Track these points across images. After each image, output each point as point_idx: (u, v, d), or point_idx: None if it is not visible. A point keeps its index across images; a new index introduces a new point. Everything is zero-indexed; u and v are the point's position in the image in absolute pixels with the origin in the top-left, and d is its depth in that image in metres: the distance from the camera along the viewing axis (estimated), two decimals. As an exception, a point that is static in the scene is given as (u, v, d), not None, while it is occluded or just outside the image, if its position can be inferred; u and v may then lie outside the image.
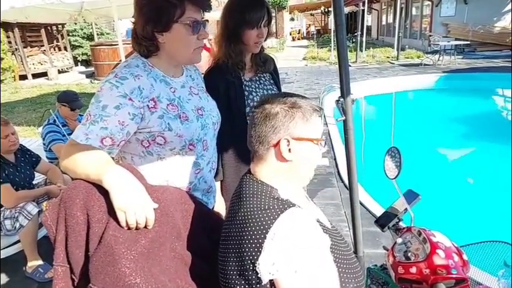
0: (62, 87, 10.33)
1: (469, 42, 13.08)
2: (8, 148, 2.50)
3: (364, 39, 14.55)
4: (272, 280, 0.84)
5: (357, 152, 1.70)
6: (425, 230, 1.13)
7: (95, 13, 8.73)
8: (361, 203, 2.67)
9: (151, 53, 1.23)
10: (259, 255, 0.83)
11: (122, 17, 8.18)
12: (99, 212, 0.93)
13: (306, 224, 0.87)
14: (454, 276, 1.00)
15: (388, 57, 13.96)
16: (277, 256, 0.82)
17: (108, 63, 11.07)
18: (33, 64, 12.67)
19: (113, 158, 1.08)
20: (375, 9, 23.76)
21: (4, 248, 2.42)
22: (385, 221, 1.30)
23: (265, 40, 1.64)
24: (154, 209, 0.96)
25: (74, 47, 14.90)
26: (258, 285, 0.85)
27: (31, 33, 13.03)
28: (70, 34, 14.83)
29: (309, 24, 37.05)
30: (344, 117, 1.59)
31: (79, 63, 15.16)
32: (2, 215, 2.38)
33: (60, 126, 3.04)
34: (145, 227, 0.95)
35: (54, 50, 14.07)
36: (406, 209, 1.25)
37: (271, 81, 1.77)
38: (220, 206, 1.61)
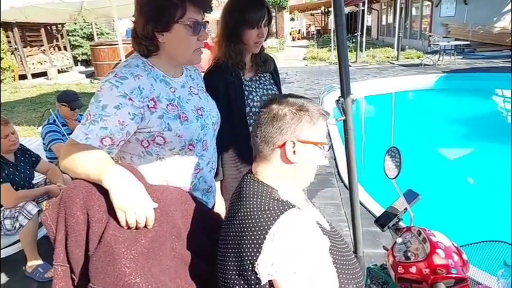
0: (61, 87, 10.33)
1: (469, 43, 13.08)
2: (8, 148, 2.50)
3: (364, 39, 14.55)
4: (271, 281, 0.84)
5: (357, 152, 1.70)
6: (425, 229, 1.13)
7: (95, 13, 8.73)
8: (361, 203, 2.67)
9: (151, 53, 1.22)
10: (259, 255, 0.84)
11: (121, 17, 8.18)
12: (99, 212, 0.93)
13: (305, 225, 0.88)
14: (453, 275, 1.00)
15: (388, 57, 13.97)
16: (277, 257, 0.82)
17: (108, 63, 11.07)
18: (32, 64, 12.67)
19: (112, 157, 1.07)
20: (374, 10, 23.76)
21: (4, 248, 2.42)
22: (385, 220, 1.30)
23: (265, 40, 1.64)
24: (154, 208, 0.96)
25: (73, 47, 14.90)
26: (257, 286, 0.85)
27: (31, 33, 13.03)
28: (70, 34, 14.83)
29: (309, 24, 37.06)
30: (344, 117, 1.60)
31: (79, 63, 15.16)
32: (1, 214, 2.38)
33: (60, 126, 3.04)
34: (145, 226, 0.95)
35: (54, 49, 14.08)
36: (406, 209, 1.25)
37: (271, 81, 1.77)
38: (220, 206, 1.61)
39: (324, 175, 4.03)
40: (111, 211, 0.92)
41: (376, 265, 1.32)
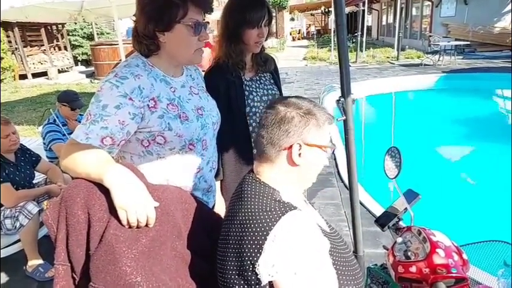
0: (62, 86, 10.34)
1: (469, 43, 13.08)
2: (8, 148, 2.50)
3: (364, 39, 14.55)
4: (271, 281, 0.84)
5: (357, 152, 1.70)
6: (425, 229, 1.13)
7: (95, 13, 8.75)
8: (361, 203, 2.67)
9: (152, 52, 1.23)
10: (259, 256, 0.84)
11: (122, 17, 8.19)
12: (100, 211, 0.93)
13: (306, 227, 0.88)
14: (453, 275, 1.00)
15: (388, 57, 13.97)
16: (277, 258, 0.83)
17: (108, 63, 11.07)
18: (33, 64, 12.68)
19: (112, 157, 1.08)
20: (375, 10, 23.76)
21: (4, 247, 2.43)
22: (385, 220, 1.30)
23: (265, 40, 1.64)
24: (155, 207, 0.96)
25: (74, 47, 14.91)
26: (257, 286, 0.85)
27: (31, 33, 13.03)
28: (70, 34, 14.84)
29: (309, 24, 37.04)
30: (344, 117, 1.60)
31: (79, 62, 15.16)
32: (2, 214, 2.38)
33: (61, 125, 3.05)
34: (146, 225, 0.95)
35: (54, 49, 14.08)
36: (406, 209, 1.25)
37: (272, 81, 1.77)
38: (220, 206, 1.61)
39: (324, 175, 4.03)
40: (112, 210, 0.92)
41: (376, 265, 1.32)
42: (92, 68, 12.93)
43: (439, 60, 11.64)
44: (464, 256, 1.08)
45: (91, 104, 1.12)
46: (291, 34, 30.85)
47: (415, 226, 1.18)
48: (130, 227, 0.93)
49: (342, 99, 1.57)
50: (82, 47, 14.85)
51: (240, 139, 1.67)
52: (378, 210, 3.07)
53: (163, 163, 1.26)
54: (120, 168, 0.97)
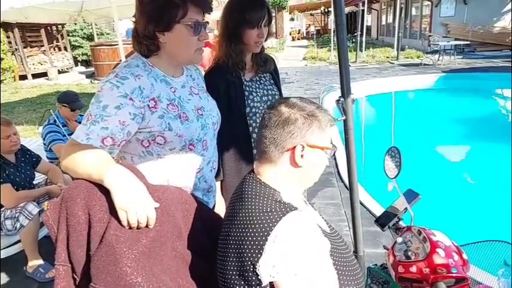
0: (62, 87, 10.33)
1: (468, 42, 13.09)
2: (9, 148, 2.50)
3: (364, 39, 14.55)
4: (272, 282, 0.84)
5: (357, 152, 1.70)
6: (425, 229, 1.13)
7: (95, 13, 8.75)
8: (361, 203, 2.67)
9: (152, 53, 1.23)
10: (260, 257, 0.84)
11: (121, 17, 8.19)
12: (100, 212, 0.93)
13: (307, 227, 0.88)
14: (454, 275, 1.00)
15: (387, 57, 13.97)
16: (278, 259, 0.83)
17: (108, 64, 11.07)
18: (33, 64, 12.67)
19: (113, 158, 1.08)
20: (374, 9, 23.75)
21: (5, 248, 2.43)
22: (385, 220, 1.30)
23: (265, 40, 1.64)
24: (155, 208, 0.96)
25: (73, 47, 14.90)
26: (257, 287, 0.85)
27: (31, 34, 13.03)
28: (70, 34, 14.84)
29: (309, 24, 37.06)
30: (344, 117, 1.60)
31: (79, 63, 15.16)
32: (2, 215, 2.38)
33: (61, 126, 3.05)
34: (147, 226, 0.95)
35: (54, 50, 14.08)
36: (406, 209, 1.25)
37: (272, 81, 1.77)
38: (220, 206, 1.61)
39: (324, 175, 4.03)
40: (113, 211, 0.93)
41: (376, 265, 1.32)
42: (92, 69, 12.94)
43: (438, 60, 11.64)
44: (465, 256, 1.08)
45: (91, 105, 1.12)
46: (290, 34, 30.86)
47: (415, 226, 1.18)
48: (130, 227, 0.93)
49: (342, 99, 1.57)
50: (82, 47, 14.85)
51: (240, 139, 1.67)
52: (378, 210, 3.07)
53: (164, 163, 1.26)
54: (121, 168, 0.97)
